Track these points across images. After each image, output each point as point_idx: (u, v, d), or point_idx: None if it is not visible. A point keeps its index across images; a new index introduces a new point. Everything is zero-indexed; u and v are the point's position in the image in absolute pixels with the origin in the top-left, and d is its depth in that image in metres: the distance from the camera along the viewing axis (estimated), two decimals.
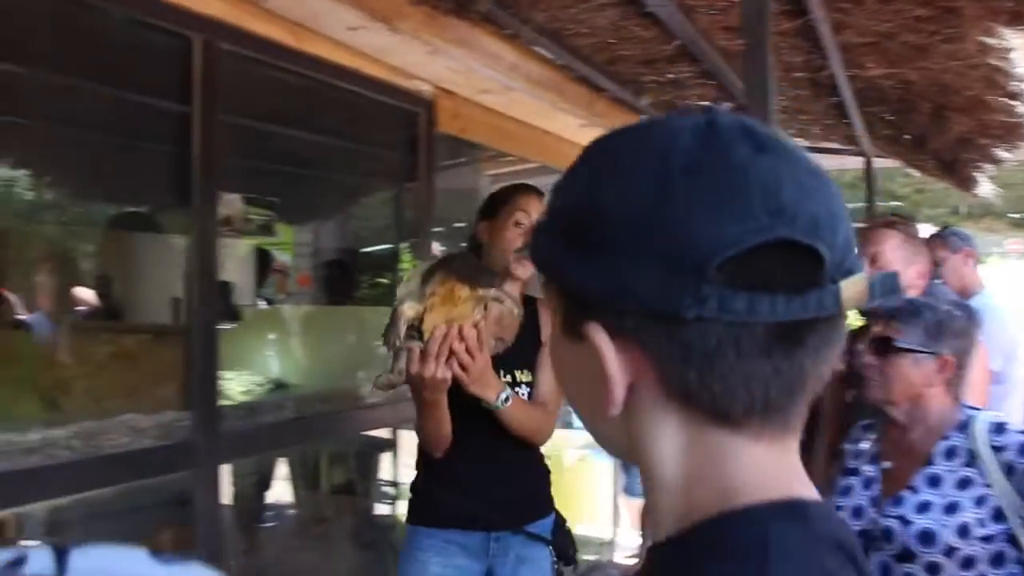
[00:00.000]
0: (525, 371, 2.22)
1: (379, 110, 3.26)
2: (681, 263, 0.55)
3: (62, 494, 2.12)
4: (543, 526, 2.25)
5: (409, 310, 1.82)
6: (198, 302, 2.37)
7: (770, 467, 0.61)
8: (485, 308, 1.88)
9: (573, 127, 4.25)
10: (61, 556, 0.38)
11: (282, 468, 4.86)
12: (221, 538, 2.59)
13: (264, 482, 4.63)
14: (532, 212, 2.22)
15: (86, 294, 3.26)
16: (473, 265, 1.91)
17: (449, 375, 1.85)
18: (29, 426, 2.06)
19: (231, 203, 2.59)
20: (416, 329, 1.82)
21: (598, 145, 0.66)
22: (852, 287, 0.57)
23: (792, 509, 0.60)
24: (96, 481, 2.18)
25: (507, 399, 2.02)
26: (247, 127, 2.83)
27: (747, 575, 0.55)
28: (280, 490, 4.95)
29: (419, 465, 2.25)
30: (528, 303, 2.25)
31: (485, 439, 2.08)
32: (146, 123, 2.65)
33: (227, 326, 2.96)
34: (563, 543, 2.29)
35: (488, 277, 1.90)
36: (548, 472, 2.36)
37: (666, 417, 0.61)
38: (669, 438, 0.61)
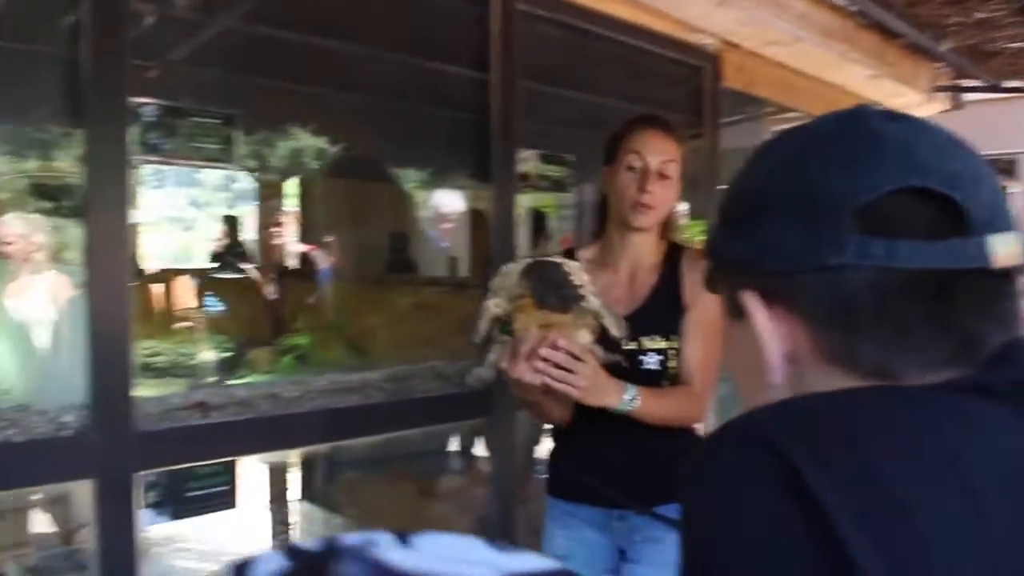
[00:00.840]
0: (655, 337, 1.90)
1: (663, 66, 3.22)
2: (820, 216, 0.59)
3: (378, 432, 2.30)
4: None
5: (496, 307, 1.66)
6: (496, 256, 2.46)
7: None
8: (595, 318, 1.68)
9: (861, 79, 3.99)
10: (406, 540, 0.39)
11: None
12: (510, 483, 2.69)
13: (535, 436, 4.80)
14: (647, 152, 1.88)
15: (388, 250, 3.48)
16: (552, 281, 1.64)
17: (538, 380, 1.62)
18: (349, 368, 2.24)
19: (527, 160, 2.66)
20: (509, 326, 1.66)
21: (758, 147, 0.70)
22: (1002, 243, 0.57)
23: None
24: (406, 422, 2.33)
25: (633, 399, 1.76)
26: (540, 89, 2.89)
27: None
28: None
29: (552, 433, 2.09)
30: (671, 256, 1.97)
31: (609, 417, 1.79)
32: (447, 88, 2.77)
33: None
34: None
35: (560, 299, 1.64)
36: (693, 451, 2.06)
37: (830, 384, 0.60)
38: None
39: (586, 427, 1.90)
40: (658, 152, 1.89)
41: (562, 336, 1.62)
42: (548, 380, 1.62)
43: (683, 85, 3.35)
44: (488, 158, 2.52)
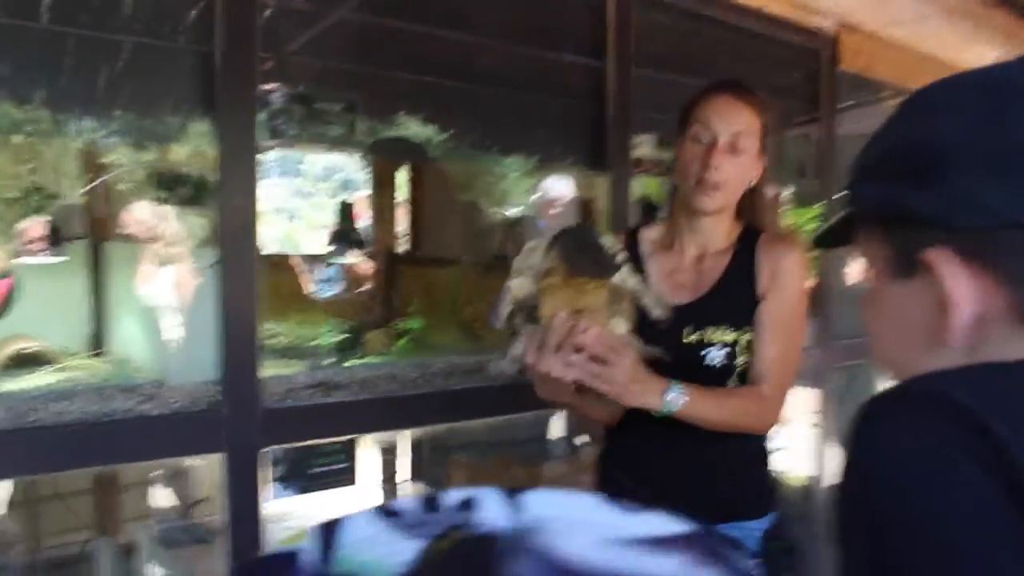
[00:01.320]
0: (723, 328, 1.63)
1: (779, 50, 3.15)
2: None
3: (493, 414, 2.33)
4: (747, 529, 1.66)
5: (518, 289, 1.44)
6: None
7: None
8: (631, 301, 1.48)
9: (990, 60, 3.81)
10: (514, 499, 0.36)
11: None
12: None
13: None
14: (716, 121, 1.60)
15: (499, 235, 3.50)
16: (586, 243, 1.41)
17: (569, 376, 1.39)
18: (464, 351, 2.27)
19: (641, 145, 2.65)
20: (533, 312, 1.43)
21: (917, 94, 0.66)
22: None
23: None
24: (520, 405, 2.35)
25: (678, 398, 1.49)
26: (655, 76, 2.87)
27: None
28: None
29: (603, 432, 1.85)
30: (745, 238, 1.72)
31: (663, 417, 1.53)
32: (562, 76, 2.78)
33: None
34: (777, 557, 1.66)
35: (596, 264, 1.40)
36: (762, 463, 1.75)
37: (1018, 349, 0.56)
38: None
39: (637, 428, 1.68)
40: (730, 121, 1.61)
41: (596, 324, 1.41)
42: (581, 375, 1.40)
43: (800, 69, 3.28)
44: (603, 145, 2.52)
